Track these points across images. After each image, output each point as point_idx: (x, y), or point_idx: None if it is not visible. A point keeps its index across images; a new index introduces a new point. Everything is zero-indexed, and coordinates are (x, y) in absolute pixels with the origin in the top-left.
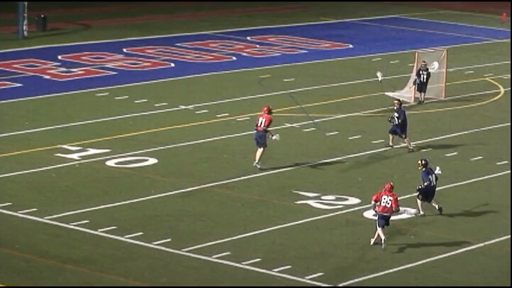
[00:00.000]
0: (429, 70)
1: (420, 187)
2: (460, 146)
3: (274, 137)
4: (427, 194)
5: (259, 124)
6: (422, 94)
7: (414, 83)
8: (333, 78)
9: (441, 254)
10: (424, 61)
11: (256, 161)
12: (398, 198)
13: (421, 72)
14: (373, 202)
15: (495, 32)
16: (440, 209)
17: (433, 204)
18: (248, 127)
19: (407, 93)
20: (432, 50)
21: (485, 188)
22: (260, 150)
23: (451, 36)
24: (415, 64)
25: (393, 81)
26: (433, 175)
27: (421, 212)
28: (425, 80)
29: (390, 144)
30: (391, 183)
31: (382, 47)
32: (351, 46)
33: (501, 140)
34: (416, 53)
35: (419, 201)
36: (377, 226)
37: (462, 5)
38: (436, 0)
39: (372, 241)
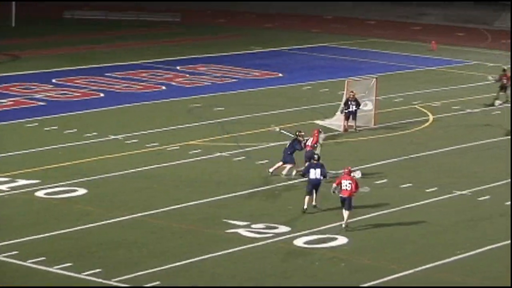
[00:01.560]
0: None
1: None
2: (390, 173)
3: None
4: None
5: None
6: (354, 121)
7: (342, 111)
8: (263, 107)
9: (372, 281)
10: (352, 91)
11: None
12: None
13: (349, 102)
14: (334, 185)
15: (424, 60)
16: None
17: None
18: (178, 156)
19: (337, 121)
20: (362, 78)
21: (415, 215)
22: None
23: (381, 64)
24: (345, 93)
25: (323, 109)
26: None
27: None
28: (354, 109)
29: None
30: (350, 167)
31: (312, 75)
32: (280, 74)
33: (429, 168)
34: (346, 82)
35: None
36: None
37: (392, 33)
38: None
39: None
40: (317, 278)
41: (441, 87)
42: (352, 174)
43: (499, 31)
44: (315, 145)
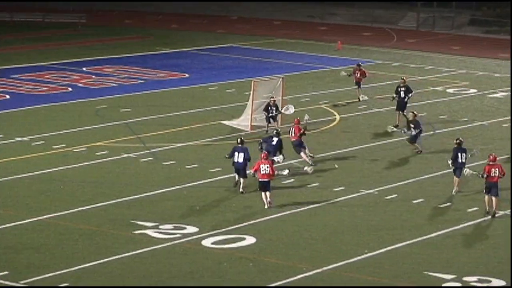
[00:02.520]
0: (284, 112)
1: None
2: (297, 173)
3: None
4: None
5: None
6: (275, 123)
7: (267, 118)
8: (170, 108)
9: (280, 280)
10: (273, 97)
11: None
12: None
13: (269, 108)
14: (252, 172)
15: (330, 60)
16: None
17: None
18: (85, 158)
19: (244, 121)
20: (269, 78)
21: (322, 214)
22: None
23: (287, 64)
24: (252, 93)
25: (230, 110)
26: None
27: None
28: (274, 114)
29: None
30: (266, 152)
31: (218, 76)
32: (187, 75)
33: (337, 167)
34: (253, 82)
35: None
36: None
37: (298, 34)
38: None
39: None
40: (226, 278)
41: (347, 87)
42: (283, 110)
43: (404, 30)
44: (300, 134)
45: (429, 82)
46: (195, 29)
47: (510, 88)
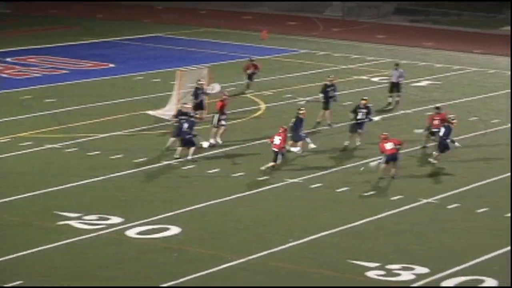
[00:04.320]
0: (208, 92)
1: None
2: (222, 162)
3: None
4: None
5: None
6: (203, 111)
7: (194, 104)
8: (95, 98)
9: (205, 270)
10: (200, 80)
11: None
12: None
13: (198, 91)
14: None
15: (256, 49)
16: None
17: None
18: (9, 149)
19: (170, 111)
20: (194, 68)
21: (247, 204)
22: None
23: (213, 54)
24: (177, 82)
25: (155, 100)
26: None
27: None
28: (202, 98)
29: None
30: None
31: (144, 66)
32: (112, 65)
33: (262, 156)
34: (178, 72)
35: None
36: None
37: (224, 23)
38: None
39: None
40: (151, 268)
41: (272, 76)
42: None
43: (330, 19)
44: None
45: (354, 71)
46: (121, 18)
47: (510, 90)
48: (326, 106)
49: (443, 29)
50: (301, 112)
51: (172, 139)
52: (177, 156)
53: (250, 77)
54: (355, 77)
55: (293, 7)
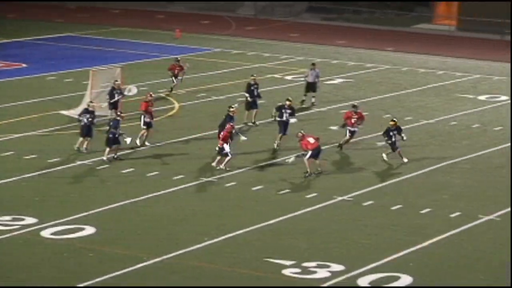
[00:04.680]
0: (125, 93)
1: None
2: (137, 162)
3: None
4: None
5: None
6: (114, 111)
7: (109, 103)
8: (7, 98)
9: (121, 270)
10: (117, 81)
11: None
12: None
13: (114, 91)
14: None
15: (169, 48)
16: None
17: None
18: None
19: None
20: (107, 68)
21: (162, 203)
22: None
23: (126, 53)
24: (90, 82)
25: (67, 100)
26: None
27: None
28: (118, 98)
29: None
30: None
31: (56, 65)
32: (24, 65)
33: (176, 156)
34: (91, 71)
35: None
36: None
37: (137, 22)
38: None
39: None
40: (66, 269)
41: (186, 75)
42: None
43: (243, 18)
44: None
45: (268, 69)
46: (32, 18)
47: (510, 90)
48: (251, 105)
49: (355, 27)
50: (231, 110)
51: (81, 139)
52: (107, 157)
53: (175, 76)
54: (269, 75)
55: (205, 6)
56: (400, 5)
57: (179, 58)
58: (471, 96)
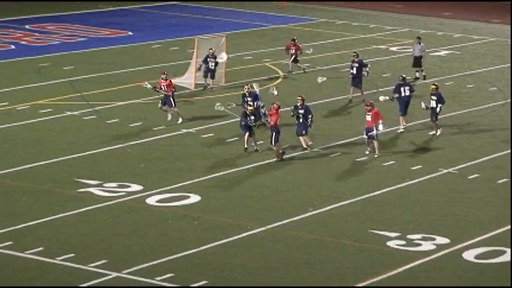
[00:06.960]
0: (218, 60)
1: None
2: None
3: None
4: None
5: None
6: (211, 80)
7: (199, 69)
8: (113, 66)
9: (225, 238)
10: (212, 49)
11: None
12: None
13: (209, 59)
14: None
15: (273, 18)
16: None
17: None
18: (28, 116)
19: (188, 79)
20: (212, 36)
21: (265, 174)
22: None
23: (230, 23)
24: (195, 51)
25: (174, 68)
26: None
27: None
28: (213, 67)
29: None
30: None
31: (161, 34)
32: (130, 33)
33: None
34: (196, 40)
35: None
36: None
37: None
38: None
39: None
40: (170, 236)
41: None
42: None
43: None
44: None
45: (372, 40)
46: None
47: (510, 90)
48: (354, 82)
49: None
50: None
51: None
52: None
53: (294, 59)
54: (374, 46)
55: None
56: None
57: (295, 38)
58: None
